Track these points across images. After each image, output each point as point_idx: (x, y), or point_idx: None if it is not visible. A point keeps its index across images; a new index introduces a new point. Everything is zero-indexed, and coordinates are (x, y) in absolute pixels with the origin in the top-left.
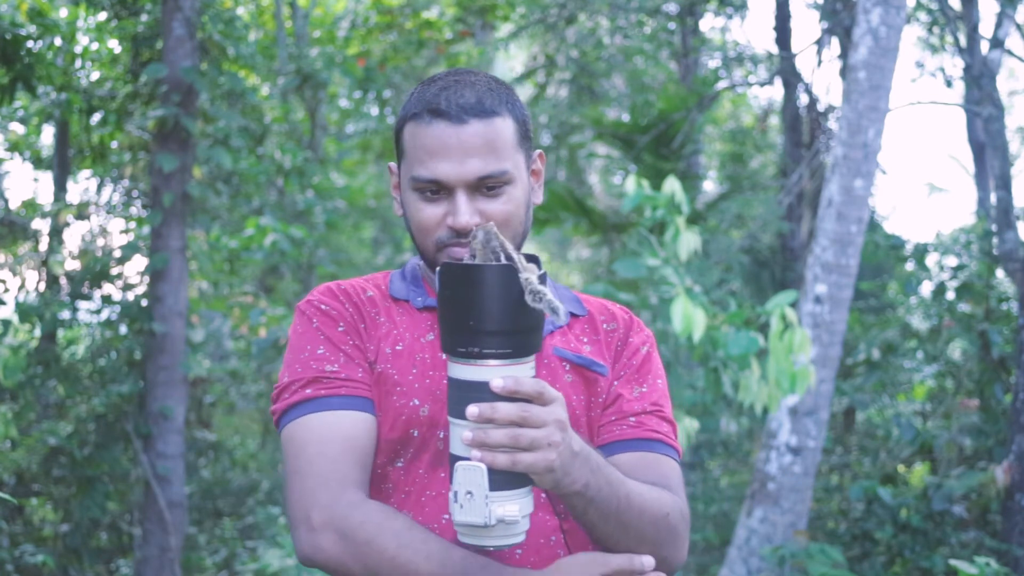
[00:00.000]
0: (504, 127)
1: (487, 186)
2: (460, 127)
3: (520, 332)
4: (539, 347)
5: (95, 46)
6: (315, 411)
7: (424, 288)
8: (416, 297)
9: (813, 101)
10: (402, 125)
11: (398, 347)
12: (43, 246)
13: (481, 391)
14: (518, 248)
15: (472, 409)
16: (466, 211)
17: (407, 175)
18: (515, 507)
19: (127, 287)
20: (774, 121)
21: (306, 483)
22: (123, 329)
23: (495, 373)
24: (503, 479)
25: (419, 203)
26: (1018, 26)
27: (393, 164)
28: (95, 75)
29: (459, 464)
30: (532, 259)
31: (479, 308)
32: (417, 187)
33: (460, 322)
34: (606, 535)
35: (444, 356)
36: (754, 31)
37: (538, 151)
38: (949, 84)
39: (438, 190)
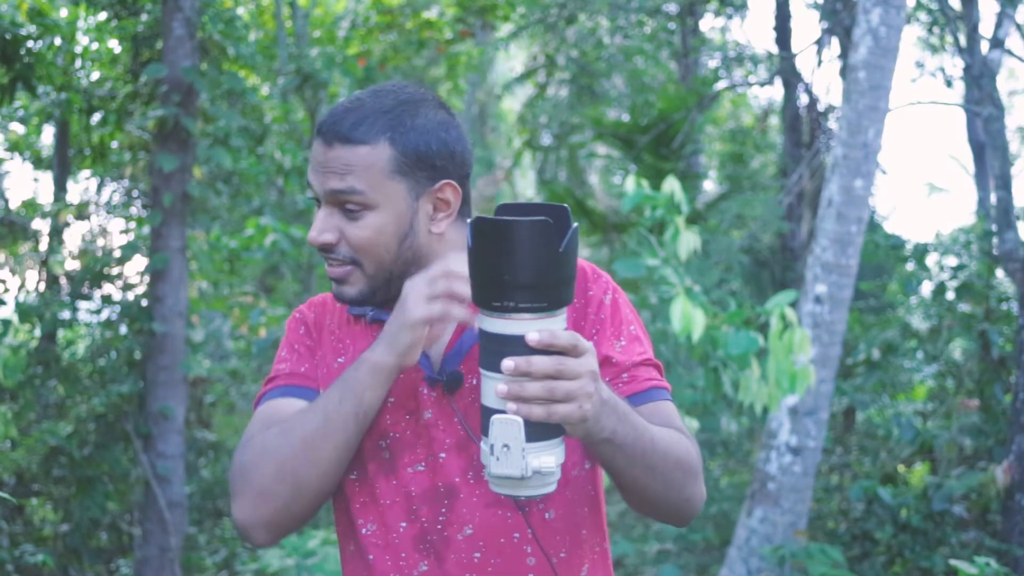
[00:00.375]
0: (372, 155)
1: (346, 207)
2: (327, 148)
3: (554, 286)
4: (571, 299)
5: (95, 46)
6: (260, 405)
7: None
8: (368, 311)
9: (813, 101)
10: None
11: (340, 360)
12: (43, 246)
13: (515, 344)
14: (396, 275)
15: (508, 363)
16: (317, 226)
17: None
18: (551, 459)
19: (127, 287)
20: (774, 121)
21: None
22: (123, 329)
23: (530, 327)
24: (537, 430)
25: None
26: (1018, 26)
27: None
28: (95, 75)
29: (495, 417)
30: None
31: (514, 263)
32: None
33: (494, 276)
34: (633, 479)
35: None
36: (754, 31)
37: (446, 181)
38: (949, 84)
39: (320, 203)
